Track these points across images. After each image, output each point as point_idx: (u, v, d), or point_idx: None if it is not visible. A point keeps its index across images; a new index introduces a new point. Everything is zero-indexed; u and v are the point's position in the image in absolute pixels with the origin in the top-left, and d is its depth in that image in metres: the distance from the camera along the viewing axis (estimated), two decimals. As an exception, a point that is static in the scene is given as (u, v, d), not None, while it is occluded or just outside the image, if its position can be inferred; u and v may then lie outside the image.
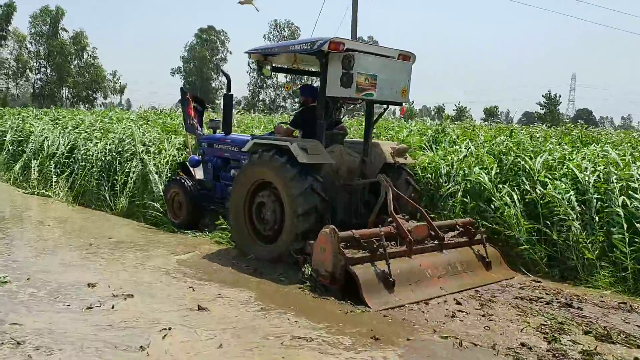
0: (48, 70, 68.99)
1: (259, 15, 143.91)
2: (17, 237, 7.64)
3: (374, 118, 7.08)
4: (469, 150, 8.03)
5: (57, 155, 11.85)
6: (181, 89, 9.38)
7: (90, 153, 10.86)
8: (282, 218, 6.12)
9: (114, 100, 74.45)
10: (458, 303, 5.23)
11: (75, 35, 69.30)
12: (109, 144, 10.75)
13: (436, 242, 5.96)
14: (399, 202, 6.30)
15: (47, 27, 67.84)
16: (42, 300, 4.85)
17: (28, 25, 67.61)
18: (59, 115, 16.72)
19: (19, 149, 14.05)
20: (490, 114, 60.94)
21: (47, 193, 10.99)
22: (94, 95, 71.33)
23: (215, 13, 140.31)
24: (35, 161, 12.23)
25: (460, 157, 7.79)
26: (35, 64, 68.83)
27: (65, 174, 11.21)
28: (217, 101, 61.17)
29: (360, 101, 6.48)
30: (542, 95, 62.71)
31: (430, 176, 7.63)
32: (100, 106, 61.52)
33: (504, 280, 6.03)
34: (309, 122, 6.62)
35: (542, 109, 62.18)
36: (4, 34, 65.04)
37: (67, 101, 67.86)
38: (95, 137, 11.58)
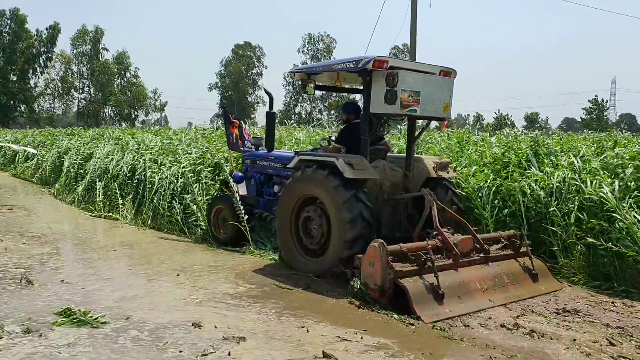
0: (92, 90, 71.24)
1: (294, 29, 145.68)
2: (98, 266, 7.14)
3: (417, 133, 7.23)
4: (576, 164, 7.45)
5: (121, 176, 11.64)
6: (223, 107, 9.72)
7: (164, 176, 10.35)
8: (329, 232, 6.29)
9: (153, 117, 76.27)
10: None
11: (118, 55, 71.50)
12: (182, 167, 10.20)
13: (482, 254, 6.05)
14: (443, 215, 6.42)
15: (89, 47, 70.10)
16: (149, 346, 4.32)
17: (70, 47, 70.03)
18: (116, 135, 16.78)
19: (80, 170, 13.83)
20: (532, 120, 59.97)
21: (114, 216, 10.71)
22: (136, 113, 73.25)
23: (252, 29, 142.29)
24: (100, 183, 12.03)
25: (574, 172, 7.26)
26: (79, 84, 71.14)
27: (131, 195, 11.01)
28: (252, 116, 62.00)
29: (403, 117, 6.65)
30: (589, 100, 61.29)
31: (541, 193, 7.14)
32: (141, 124, 63.04)
33: (552, 292, 6.09)
34: (353, 139, 6.80)
35: (588, 114, 60.81)
36: (50, 55, 67.38)
37: (110, 119, 69.74)
38: (164, 160, 11.09)
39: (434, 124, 10.20)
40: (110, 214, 10.86)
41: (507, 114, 60.57)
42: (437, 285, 5.30)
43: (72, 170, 14.06)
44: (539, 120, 67.04)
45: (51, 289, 5.80)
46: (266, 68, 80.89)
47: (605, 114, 61.68)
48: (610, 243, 6.19)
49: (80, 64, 71.03)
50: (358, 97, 9.05)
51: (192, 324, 4.75)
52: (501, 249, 6.33)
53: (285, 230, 6.75)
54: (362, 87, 6.83)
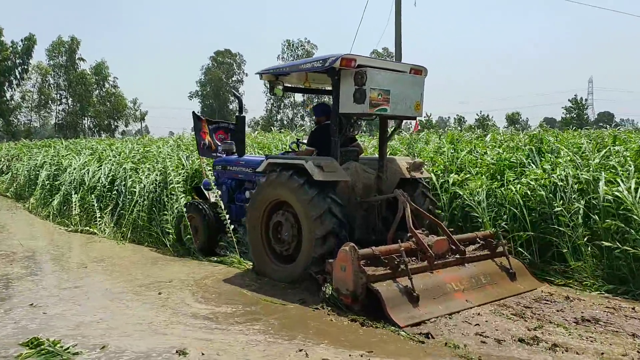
0: (69, 101, 70.23)
1: (273, 36, 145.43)
2: (71, 284, 6.59)
3: (388, 134, 7.05)
4: (575, 162, 7.21)
5: (98, 188, 11.08)
6: (193, 113, 9.46)
7: (142, 185, 9.92)
8: (300, 238, 6.07)
9: (134, 127, 75.49)
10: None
11: (97, 65, 70.63)
12: (157, 175, 9.88)
13: (457, 255, 5.88)
14: (418, 216, 6.24)
15: (64, 58, 69.13)
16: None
17: (46, 58, 69.00)
18: (91, 145, 16.37)
19: (56, 182, 13.25)
20: (513, 121, 60.46)
21: (92, 230, 10.11)
22: (116, 123, 72.39)
23: (231, 36, 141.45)
24: (76, 195, 11.38)
25: (576, 169, 6.97)
26: (56, 95, 70.10)
27: (109, 207, 10.51)
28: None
29: (375, 117, 6.46)
30: (569, 100, 62.38)
31: (542, 193, 6.79)
32: (121, 134, 62.23)
33: (531, 290, 5.94)
34: (324, 140, 6.60)
35: (568, 113, 61.50)
36: (26, 67, 66.26)
37: (89, 131, 68.91)
38: (142, 167, 10.66)
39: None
40: (88, 227, 10.30)
41: (488, 115, 61.07)
42: (412, 287, 5.10)
43: (46, 182, 13.49)
44: (520, 120, 67.64)
45: (16, 315, 5.25)
46: (247, 75, 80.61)
47: (585, 112, 62.50)
48: (627, 245, 5.84)
49: (57, 76, 70.04)
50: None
51: (177, 352, 4.22)
52: (478, 250, 6.17)
53: (256, 237, 6.52)
54: (331, 88, 6.63)
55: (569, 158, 7.37)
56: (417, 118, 6.88)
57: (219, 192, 7.89)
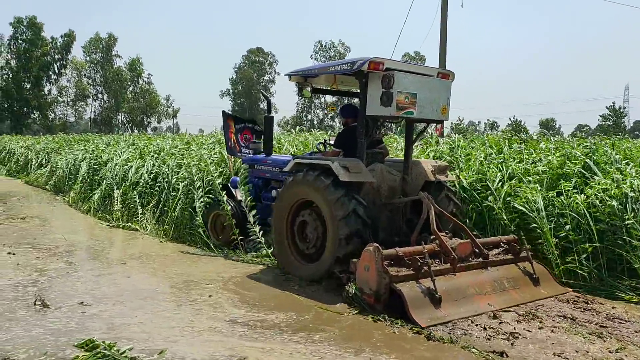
0: (105, 97, 71.43)
1: (307, 36, 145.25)
2: (110, 281, 6.34)
3: (414, 136, 7.06)
4: None
5: (141, 184, 10.78)
6: (223, 112, 9.58)
7: (184, 182, 9.57)
8: (324, 235, 6.13)
9: (165, 124, 76.23)
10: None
11: (132, 61, 71.68)
12: (198, 172, 9.55)
13: (480, 259, 5.87)
14: (442, 219, 6.24)
15: (101, 54, 70.34)
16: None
17: (82, 54, 70.42)
18: (134, 141, 16.29)
19: (96, 177, 13.04)
20: (546, 127, 59.12)
21: (134, 226, 9.88)
22: (148, 119, 73.23)
23: (265, 35, 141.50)
24: (117, 191, 11.17)
25: None
26: (92, 90, 71.34)
27: (151, 204, 10.23)
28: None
29: (401, 119, 6.48)
30: (606, 107, 60.62)
31: (614, 204, 6.37)
32: (152, 131, 63.05)
33: (555, 296, 5.88)
34: (351, 142, 6.65)
35: (605, 121, 59.92)
36: (64, 62, 67.69)
37: (123, 126, 69.98)
38: (185, 163, 10.26)
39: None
40: (129, 224, 10.08)
41: (521, 121, 59.90)
42: (434, 289, 5.12)
43: (87, 177, 13.39)
44: (555, 126, 66.22)
45: (68, 314, 5.03)
46: (278, 74, 79.81)
47: (622, 120, 60.68)
48: None
49: (93, 71, 71.35)
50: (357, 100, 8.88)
51: (240, 362, 3.98)
52: (501, 254, 6.14)
53: (281, 235, 6.60)
54: (358, 90, 6.67)
55: (636, 168, 7.07)
56: (443, 121, 6.85)
57: (246, 189, 7.99)
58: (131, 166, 11.65)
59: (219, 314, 5.20)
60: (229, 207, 8.14)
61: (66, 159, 16.01)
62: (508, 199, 7.22)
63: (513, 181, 7.52)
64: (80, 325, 4.73)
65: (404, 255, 5.38)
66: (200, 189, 9.13)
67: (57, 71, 67.65)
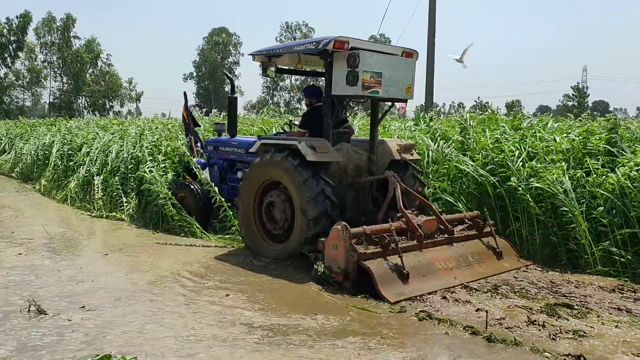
0: (64, 79, 68.36)
1: (272, 17, 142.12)
2: (112, 282, 5.51)
3: (379, 116, 6.99)
4: None
5: (122, 169, 9.85)
6: (184, 94, 9.33)
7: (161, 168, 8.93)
8: (292, 215, 6.04)
9: (127, 108, 73.72)
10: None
11: (87, 42, 68.63)
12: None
13: (446, 235, 5.89)
14: (408, 197, 6.22)
15: (57, 35, 67.08)
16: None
17: (34, 36, 67.04)
18: (103, 124, 15.21)
19: (70, 163, 11.97)
20: (512, 107, 59.53)
21: (119, 216, 8.98)
22: (111, 103, 70.55)
23: (227, 16, 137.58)
24: (98, 177, 10.17)
25: None
26: (49, 73, 68.14)
27: (134, 191, 9.35)
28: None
29: (366, 99, 6.40)
30: (571, 87, 61.18)
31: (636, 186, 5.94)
32: (116, 114, 60.71)
33: (516, 269, 5.97)
34: (316, 122, 6.54)
35: (570, 100, 60.51)
36: (20, 44, 64.33)
37: (84, 110, 67.20)
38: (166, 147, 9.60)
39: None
40: (114, 213, 9.15)
41: (487, 102, 60.32)
42: (402, 265, 5.11)
43: (60, 163, 12.22)
44: (520, 107, 66.92)
45: (69, 321, 4.33)
46: (243, 56, 77.07)
47: (586, 100, 61.60)
48: None
49: (49, 53, 68.31)
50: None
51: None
52: (465, 230, 6.18)
53: (248, 216, 6.47)
54: (323, 70, 6.55)
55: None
56: (408, 100, 6.80)
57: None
58: (110, 151, 10.63)
59: (227, 317, 4.51)
60: (193, 188, 7.97)
61: (33, 144, 14.90)
62: (531, 179, 6.64)
63: (534, 162, 6.92)
64: (90, 337, 4.01)
65: (371, 233, 5.34)
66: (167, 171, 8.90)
67: (12, 54, 64.47)
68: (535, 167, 6.75)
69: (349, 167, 6.50)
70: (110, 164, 10.25)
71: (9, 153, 17.35)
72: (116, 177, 9.78)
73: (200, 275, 5.78)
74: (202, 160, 8.41)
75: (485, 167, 7.27)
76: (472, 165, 7.35)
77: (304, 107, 7.52)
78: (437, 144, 8.50)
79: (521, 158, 7.06)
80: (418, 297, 4.95)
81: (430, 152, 8.27)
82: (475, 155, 7.66)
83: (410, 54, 6.47)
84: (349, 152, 6.54)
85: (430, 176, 7.84)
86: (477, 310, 4.65)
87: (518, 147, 7.41)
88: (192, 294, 5.14)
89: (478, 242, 6.08)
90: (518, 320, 4.45)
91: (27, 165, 14.78)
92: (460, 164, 7.49)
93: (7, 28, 62.81)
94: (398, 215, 5.83)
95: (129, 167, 9.81)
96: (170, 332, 4.16)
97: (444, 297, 4.96)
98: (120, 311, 4.60)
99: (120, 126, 13.74)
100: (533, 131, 8.06)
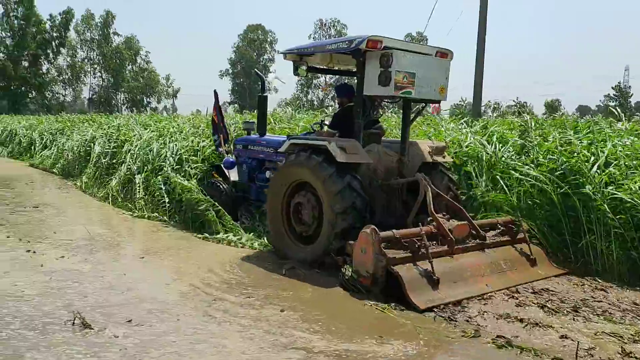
0: (103, 76, 69.52)
1: (306, 16, 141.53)
2: (160, 291, 5.16)
3: (411, 117, 6.80)
4: None
5: (165, 169, 9.34)
6: (215, 92, 9.28)
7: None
8: (321, 219, 5.90)
9: (164, 104, 74.48)
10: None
11: (126, 39, 69.78)
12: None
13: (478, 241, 5.67)
14: (439, 201, 6.02)
15: (97, 32, 68.26)
16: None
17: (74, 33, 68.35)
18: (144, 121, 14.61)
19: (113, 161, 11.58)
20: (552, 108, 57.36)
21: (162, 217, 8.50)
22: (148, 99, 71.50)
23: (263, 14, 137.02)
24: (139, 176, 9.72)
25: None
26: (90, 69, 69.36)
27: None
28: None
29: (399, 99, 6.22)
30: (612, 87, 59.19)
31: None
32: (152, 110, 61.33)
33: (551, 277, 5.71)
34: (347, 122, 6.39)
35: (613, 101, 58.26)
36: (63, 41, 65.61)
37: (123, 106, 68.32)
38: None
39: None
40: (155, 214, 8.70)
41: (526, 102, 58.54)
42: (432, 271, 4.93)
43: (103, 160, 11.81)
44: (560, 107, 64.70)
45: (116, 337, 3.99)
46: (278, 53, 76.86)
47: (629, 100, 59.12)
48: None
49: (90, 50, 69.60)
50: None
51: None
52: (498, 236, 5.95)
53: (276, 216, 6.36)
54: (355, 69, 6.39)
55: None
56: (440, 101, 6.59)
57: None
58: (151, 149, 10.22)
59: (280, 338, 4.07)
60: (221, 188, 7.91)
61: (75, 140, 14.58)
62: (609, 188, 6.00)
63: (612, 168, 6.25)
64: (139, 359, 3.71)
65: (401, 237, 5.17)
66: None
67: (54, 49, 65.83)
68: (614, 173, 6.07)
69: (379, 168, 6.33)
70: (151, 163, 9.92)
71: (50, 149, 17.20)
72: (158, 177, 9.28)
73: (243, 284, 5.41)
74: (231, 159, 8.34)
75: (552, 172, 6.49)
76: (536, 171, 6.63)
77: (337, 106, 7.33)
78: (493, 146, 7.70)
79: (597, 164, 6.28)
80: (486, 317, 4.55)
81: (486, 154, 7.53)
82: (540, 160, 6.87)
83: (444, 54, 6.26)
84: (379, 154, 6.37)
85: (484, 183, 7.18)
86: (562, 337, 4.15)
87: (595, 151, 6.59)
88: (239, 308, 4.71)
89: (511, 249, 5.84)
90: (610, 350, 3.97)
91: (68, 161, 14.50)
92: (521, 170, 6.75)
93: (50, 24, 64.25)
94: (429, 219, 5.63)
95: (174, 166, 9.35)
96: (219, 357, 3.76)
97: (520, 320, 4.48)
98: (166, 327, 4.25)
99: (160, 124, 13.41)
100: (603, 134, 7.32)
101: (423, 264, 5.02)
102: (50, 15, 64.42)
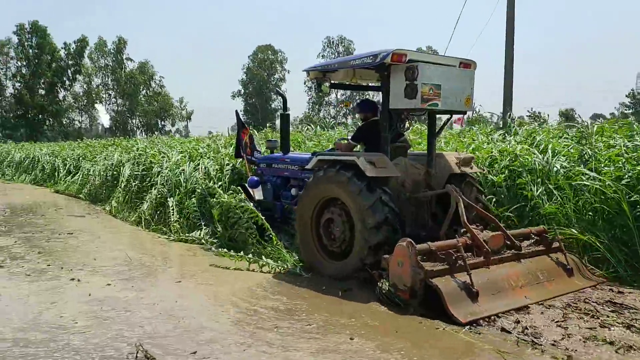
0: (119, 101, 70.33)
1: (314, 34, 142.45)
2: (214, 321, 4.90)
3: (437, 129, 6.75)
4: None
5: (199, 190, 9.23)
6: (236, 112, 9.30)
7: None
8: (352, 234, 5.83)
9: (178, 126, 74.95)
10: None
11: (140, 65, 70.67)
12: None
13: (513, 251, 5.56)
14: (470, 212, 5.93)
15: (110, 58, 69.23)
16: None
17: (88, 60, 69.25)
18: (170, 143, 14.52)
19: (143, 183, 11.41)
20: (567, 116, 56.83)
21: (200, 239, 8.33)
22: (163, 123, 72.07)
23: (272, 34, 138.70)
24: (172, 199, 9.61)
25: None
26: (104, 95, 70.19)
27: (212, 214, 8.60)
28: (276, 121, 60.39)
29: (425, 112, 6.18)
30: (626, 95, 58.43)
31: None
32: (166, 134, 61.55)
33: (588, 287, 5.56)
34: (372, 136, 6.36)
35: (628, 109, 57.49)
36: (78, 68, 66.46)
37: (138, 130, 68.90)
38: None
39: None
40: (191, 236, 8.53)
41: (540, 112, 57.58)
42: (471, 283, 4.82)
43: (133, 183, 11.57)
44: (575, 116, 63.87)
45: None
46: (288, 72, 76.40)
47: None
48: None
49: (104, 76, 70.52)
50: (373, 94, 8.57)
51: None
52: (532, 245, 5.83)
53: (306, 232, 6.31)
54: (378, 84, 6.37)
55: None
56: (466, 112, 6.55)
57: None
58: (182, 170, 10.08)
59: None
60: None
61: (102, 165, 14.49)
62: None
63: None
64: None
65: (437, 249, 5.09)
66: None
67: (70, 77, 66.68)
68: None
69: (407, 181, 6.27)
70: (184, 185, 9.76)
71: (76, 174, 17.03)
72: (192, 199, 9.16)
73: (293, 310, 5.13)
74: (255, 178, 8.32)
75: (619, 181, 6.07)
76: (600, 180, 6.20)
77: (350, 122, 7.32)
78: (546, 156, 7.19)
79: None
80: (572, 340, 4.23)
81: (538, 165, 7.07)
82: (604, 168, 6.43)
83: (467, 64, 6.22)
84: (406, 167, 6.32)
85: (537, 194, 6.78)
86: None
87: None
88: (300, 335, 4.44)
89: (547, 259, 5.72)
90: None
91: (95, 186, 14.37)
92: (582, 179, 6.35)
93: (65, 52, 65.29)
94: (462, 230, 5.54)
95: (207, 187, 9.14)
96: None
97: (610, 342, 4.13)
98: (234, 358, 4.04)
99: (190, 144, 13.35)
100: None
101: (461, 276, 4.92)
102: (65, 43, 65.42)
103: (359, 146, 6.97)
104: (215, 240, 8.13)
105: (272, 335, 4.49)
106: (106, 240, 8.96)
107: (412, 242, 4.92)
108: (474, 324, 4.55)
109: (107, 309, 5.20)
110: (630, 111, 53.07)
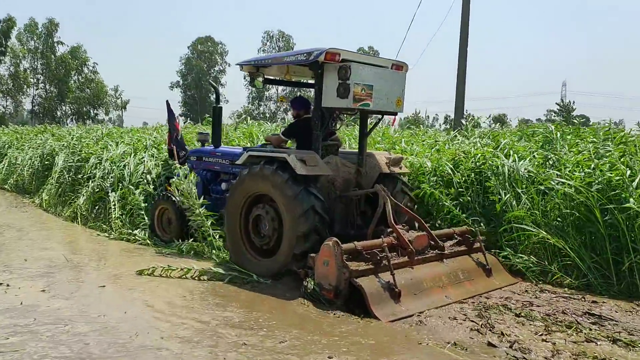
0: (47, 86, 65.96)
1: (254, 26, 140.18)
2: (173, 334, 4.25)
3: (368, 128, 6.76)
4: None
5: (142, 185, 8.72)
6: (167, 102, 8.95)
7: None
8: (281, 230, 5.73)
9: (113, 116, 71.50)
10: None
11: (72, 49, 66.55)
12: None
13: (437, 251, 5.66)
14: (397, 212, 5.98)
15: (41, 41, 64.78)
16: None
17: (16, 42, 64.59)
18: (107, 132, 13.13)
19: (78, 176, 10.50)
20: (500, 121, 58.50)
21: (143, 239, 7.72)
22: (96, 111, 68.25)
23: (212, 25, 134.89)
24: (114, 194, 8.91)
25: None
26: (33, 79, 65.70)
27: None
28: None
29: (357, 111, 6.16)
30: (556, 103, 61.14)
31: None
32: (99, 123, 58.16)
33: (506, 286, 5.73)
34: (304, 134, 6.28)
35: (557, 115, 59.87)
36: (4, 49, 61.82)
37: (67, 118, 64.83)
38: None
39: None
40: (134, 234, 7.87)
41: (473, 115, 59.16)
42: (394, 283, 4.85)
43: (67, 176, 10.66)
44: (507, 121, 66.12)
45: None
46: (229, 65, 73.78)
47: (572, 115, 61.13)
48: None
49: (33, 59, 66.10)
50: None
51: None
52: (455, 245, 5.96)
53: (234, 230, 6.14)
54: (312, 81, 6.30)
55: None
56: (397, 113, 6.59)
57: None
58: (127, 163, 9.35)
59: None
60: (175, 200, 7.59)
61: (31, 154, 13.29)
62: None
63: None
64: None
65: (362, 249, 5.08)
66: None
67: (-6, 59, 61.91)
68: None
69: (338, 180, 6.24)
70: (128, 179, 9.07)
71: (1, 162, 15.56)
72: (137, 194, 8.53)
73: (255, 320, 4.60)
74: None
75: (590, 187, 5.89)
76: (570, 186, 5.99)
77: (290, 117, 7.22)
78: (512, 160, 6.84)
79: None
80: (562, 356, 3.94)
81: (507, 170, 6.69)
82: (574, 173, 6.21)
83: (400, 66, 6.27)
84: (337, 165, 6.28)
85: (505, 200, 6.45)
86: None
87: (629, 163, 6.11)
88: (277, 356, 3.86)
89: (468, 259, 5.86)
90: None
91: (23, 177, 13.23)
92: (552, 184, 6.17)
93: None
94: (388, 230, 5.57)
95: (151, 181, 8.74)
96: None
97: None
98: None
99: (129, 135, 12.30)
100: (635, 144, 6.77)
101: (385, 275, 4.94)
102: (-11, 22, 60.85)
103: (289, 142, 6.88)
104: (156, 239, 7.77)
105: (245, 354, 3.88)
106: (36, 238, 8.07)
107: (338, 241, 4.89)
108: (455, 344, 4.15)
109: (45, 322, 4.41)
110: (560, 117, 55.87)
